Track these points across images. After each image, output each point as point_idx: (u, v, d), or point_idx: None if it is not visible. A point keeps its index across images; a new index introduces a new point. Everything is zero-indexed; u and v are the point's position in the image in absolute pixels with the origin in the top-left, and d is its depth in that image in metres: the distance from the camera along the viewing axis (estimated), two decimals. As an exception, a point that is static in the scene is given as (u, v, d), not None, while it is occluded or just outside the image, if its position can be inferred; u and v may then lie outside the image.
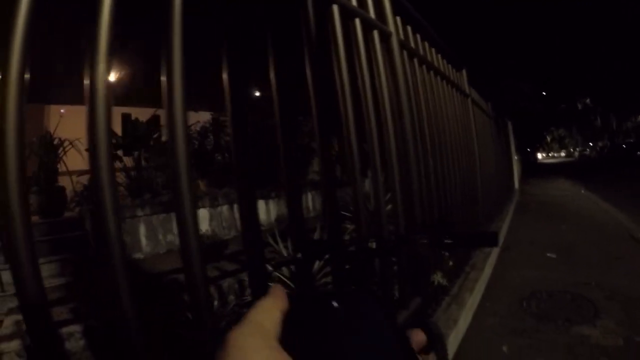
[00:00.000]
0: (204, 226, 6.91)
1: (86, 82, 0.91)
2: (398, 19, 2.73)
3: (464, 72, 5.12)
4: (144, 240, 6.35)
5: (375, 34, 2.24)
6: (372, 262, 1.23)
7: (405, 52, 2.68)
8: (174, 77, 1.00)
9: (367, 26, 2.16)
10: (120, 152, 7.32)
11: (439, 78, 3.64)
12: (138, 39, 10.14)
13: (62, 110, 12.08)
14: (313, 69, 1.57)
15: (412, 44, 2.99)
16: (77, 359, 3.47)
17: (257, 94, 13.63)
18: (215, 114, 11.43)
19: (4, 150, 0.80)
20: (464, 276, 3.75)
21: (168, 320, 3.59)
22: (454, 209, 3.70)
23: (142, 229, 6.35)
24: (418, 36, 3.21)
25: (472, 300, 3.38)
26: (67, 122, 9.31)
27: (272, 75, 1.39)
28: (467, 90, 5.16)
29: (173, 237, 6.65)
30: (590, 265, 4.46)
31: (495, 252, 4.72)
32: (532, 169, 24.49)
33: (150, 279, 5.04)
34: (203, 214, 7.10)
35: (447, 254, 3.34)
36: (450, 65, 4.33)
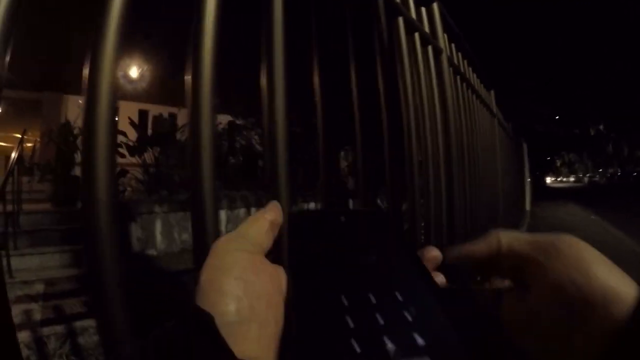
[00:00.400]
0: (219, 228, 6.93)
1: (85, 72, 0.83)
2: (445, 36, 2.76)
3: (492, 92, 5.15)
4: (159, 237, 6.36)
5: (430, 49, 2.26)
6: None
7: (451, 69, 2.71)
8: (202, 78, 0.98)
9: (424, 41, 2.18)
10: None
11: (474, 96, 3.66)
12: (160, 36, 10.27)
13: (80, 101, 12.21)
14: (367, 79, 1.58)
15: (455, 61, 3.02)
16: (90, 355, 3.36)
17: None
18: (233, 117, 11.53)
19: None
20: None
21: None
22: (479, 228, 3.69)
23: (158, 226, 6.36)
24: (459, 54, 3.24)
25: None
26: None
27: (315, 80, 1.36)
28: (495, 110, 5.18)
29: (188, 237, 6.65)
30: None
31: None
32: (541, 192, 24.46)
33: (165, 277, 5.03)
34: (219, 215, 7.14)
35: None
36: (482, 85, 4.36)
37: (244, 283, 0.39)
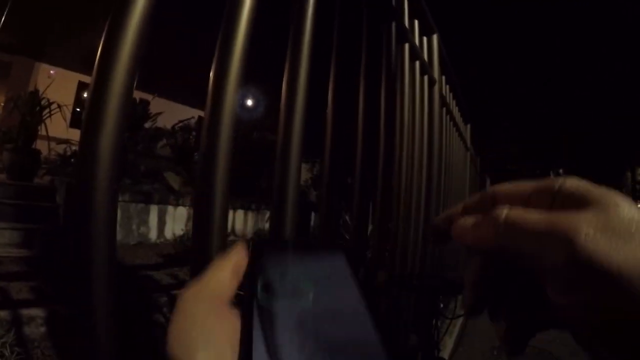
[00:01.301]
0: (179, 226, 6.75)
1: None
2: (439, 68, 2.85)
3: (468, 126, 5.32)
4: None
5: (426, 78, 2.32)
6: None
7: (440, 101, 2.79)
8: (229, 75, 0.99)
9: (422, 70, 2.24)
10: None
11: (455, 129, 3.77)
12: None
13: (52, 72, 11.74)
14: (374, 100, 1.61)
15: (444, 92, 3.11)
16: (35, 347, 3.14)
17: (250, 102, 13.63)
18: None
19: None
20: (448, 318, 3.85)
21: (140, 320, 3.44)
22: (448, 255, 3.79)
23: (117, 216, 6.16)
24: (447, 87, 3.34)
25: (451, 344, 3.47)
26: (57, 85, 8.99)
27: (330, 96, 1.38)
28: (469, 145, 5.34)
29: (146, 230, 6.46)
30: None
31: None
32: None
33: (120, 272, 4.84)
34: (180, 212, 6.95)
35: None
36: (462, 119, 4.50)
37: (209, 333, 0.40)
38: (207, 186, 0.83)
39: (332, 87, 1.23)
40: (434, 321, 1.25)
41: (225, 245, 0.84)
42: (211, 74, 0.90)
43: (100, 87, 0.79)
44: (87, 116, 0.80)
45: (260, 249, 0.51)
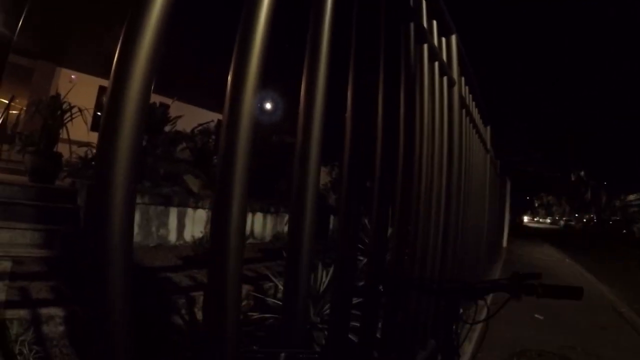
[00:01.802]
0: (198, 228, 6.78)
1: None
2: (458, 68, 2.80)
3: (488, 128, 5.23)
4: (135, 229, 6.19)
5: (445, 79, 2.28)
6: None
7: (459, 102, 2.74)
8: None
9: (442, 71, 2.20)
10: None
11: (474, 131, 3.71)
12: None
13: (73, 76, 11.97)
14: (394, 98, 1.58)
15: (463, 94, 3.06)
16: (54, 346, 3.15)
17: (268, 106, 13.69)
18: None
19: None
20: (460, 324, 3.78)
21: (158, 321, 3.45)
22: (467, 260, 3.72)
23: (137, 217, 6.21)
24: (467, 88, 3.28)
25: (470, 350, 3.40)
26: (78, 89, 9.16)
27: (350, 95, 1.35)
28: (489, 147, 5.26)
29: (166, 232, 6.50)
30: (576, 331, 4.59)
31: (489, 304, 4.76)
32: (518, 230, 24.89)
33: (138, 273, 4.88)
34: (200, 215, 6.97)
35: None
36: (481, 120, 4.43)
37: None
38: (226, 188, 0.82)
39: (351, 89, 1.21)
40: (453, 326, 1.21)
41: (243, 247, 0.83)
42: (229, 77, 0.89)
43: (117, 91, 0.79)
44: (104, 120, 0.80)
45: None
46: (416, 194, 1.73)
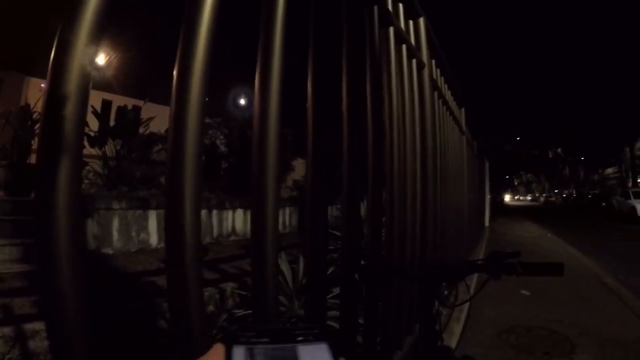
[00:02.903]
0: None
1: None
2: (428, 51, 2.79)
3: (462, 110, 5.26)
4: (115, 235, 6.07)
5: (414, 62, 2.27)
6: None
7: (431, 84, 2.73)
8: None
9: (410, 53, 2.18)
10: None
11: (448, 113, 3.72)
12: (132, 25, 9.99)
13: (42, 85, 11.69)
14: (357, 85, 1.56)
15: (434, 76, 3.06)
16: None
17: (242, 101, 13.55)
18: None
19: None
20: (450, 306, 3.80)
21: (142, 326, 3.40)
22: (448, 243, 3.75)
23: (115, 223, 6.09)
24: (438, 70, 3.28)
25: (459, 330, 3.43)
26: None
27: (309, 84, 1.31)
28: (464, 128, 5.29)
29: (146, 236, 6.39)
30: (562, 304, 4.68)
31: (473, 285, 4.82)
32: (499, 209, 25.29)
33: (121, 278, 4.80)
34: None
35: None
36: (455, 102, 4.44)
37: None
38: (177, 188, 0.79)
39: (311, 76, 1.18)
40: (435, 309, 1.20)
41: (199, 248, 0.80)
42: (174, 73, 0.86)
43: (56, 92, 0.75)
44: (45, 126, 0.76)
45: (231, 346, 0.48)
46: (389, 178, 1.72)
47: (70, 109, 0.73)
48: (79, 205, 0.75)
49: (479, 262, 1.22)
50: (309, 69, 1.18)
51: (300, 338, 0.46)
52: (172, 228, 0.79)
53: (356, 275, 1.35)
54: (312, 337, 0.46)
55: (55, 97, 0.72)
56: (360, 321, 1.64)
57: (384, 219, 1.68)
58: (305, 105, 1.18)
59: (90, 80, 0.76)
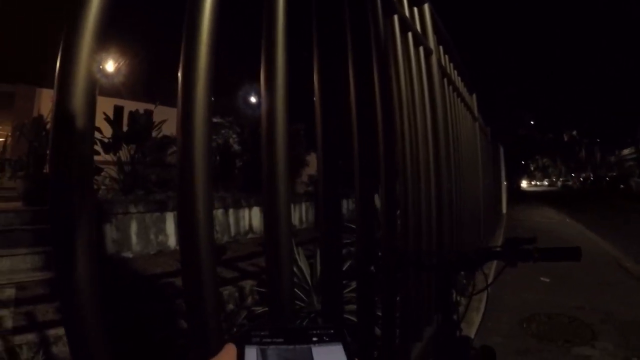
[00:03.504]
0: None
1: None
2: (435, 37, 2.75)
3: (474, 96, 5.19)
4: (134, 239, 6.15)
5: (421, 49, 2.23)
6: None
7: (440, 71, 2.69)
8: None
9: (416, 41, 2.15)
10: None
11: (459, 99, 3.67)
12: (139, 30, 10.06)
13: (55, 95, 11.92)
14: (365, 75, 1.54)
15: (443, 63, 3.01)
16: None
17: (253, 99, 13.58)
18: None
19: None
20: (468, 295, 3.77)
21: (163, 327, 3.44)
22: (465, 230, 3.71)
23: (134, 227, 6.16)
24: (447, 57, 3.23)
25: (478, 320, 3.40)
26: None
27: (315, 78, 1.30)
28: (476, 114, 5.22)
29: (165, 238, 6.47)
30: (583, 290, 4.61)
31: (492, 272, 4.78)
32: (516, 195, 24.98)
33: (141, 281, 4.86)
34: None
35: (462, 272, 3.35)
36: (465, 88, 4.38)
37: None
38: (188, 190, 0.78)
39: (317, 69, 1.17)
40: (452, 299, 1.18)
41: (213, 247, 0.80)
42: (179, 74, 0.85)
43: (64, 100, 0.75)
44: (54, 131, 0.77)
45: (243, 346, 0.48)
46: (401, 169, 1.70)
47: (79, 114, 0.73)
48: (93, 210, 0.75)
49: (496, 249, 1.19)
50: (314, 63, 1.16)
51: (315, 339, 0.45)
52: (185, 228, 0.79)
53: (372, 268, 1.34)
54: (328, 338, 0.45)
55: (63, 104, 0.73)
56: (379, 314, 1.63)
57: (398, 210, 1.66)
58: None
59: (97, 85, 0.76)
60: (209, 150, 0.80)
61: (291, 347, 0.45)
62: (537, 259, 1.15)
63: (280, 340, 0.45)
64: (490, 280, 1.33)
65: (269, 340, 0.45)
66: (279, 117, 0.92)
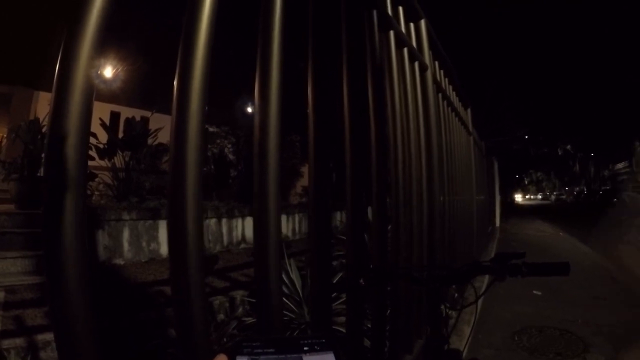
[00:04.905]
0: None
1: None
2: (430, 52, 2.78)
3: (469, 111, 5.24)
4: (126, 246, 6.11)
5: (416, 65, 2.27)
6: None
7: (434, 87, 2.72)
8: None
9: (412, 56, 2.18)
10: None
11: (453, 114, 3.71)
12: (138, 37, 10.10)
13: (53, 98, 11.90)
14: (360, 89, 1.56)
15: (438, 78, 3.05)
16: None
17: (250, 109, 13.62)
18: (207, 125, 11.41)
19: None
20: (458, 308, 3.77)
21: (154, 335, 3.42)
22: (457, 244, 3.73)
23: (126, 234, 6.13)
24: (442, 72, 3.27)
25: (469, 333, 3.40)
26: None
27: (310, 89, 1.31)
28: (471, 129, 5.27)
29: (157, 246, 6.42)
30: (575, 303, 4.61)
31: (484, 286, 4.78)
32: (510, 209, 25.06)
33: (133, 288, 4.83)
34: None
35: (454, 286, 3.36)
36: (460, 103, 4.43)
37: None
38: (179, 199, 0.79)
39: (311, 82, 1.19)
40: (441, 312, 1.19)
41: (202, 256, 0.81)
42: (175, 82, 0.87)
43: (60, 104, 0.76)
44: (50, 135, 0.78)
45: (234, 356, 0.49)
46: (394, 182, 1.71)
47: (75, 118, 0.74)
48: (85, 216, 0.76)
49: (485, 263, 1.21)
50: (308, 74, 1.18)
51: (307, 348, 0.46)
52: (175, 237, 0.80)
53: (362, 280, 1.35)
54: (319, 347, 0.46)
55: (60, 108, 0.74)
56: (370, 326, 1.64)
57: (389, 224, 1.68)
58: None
59: (94, 90, 0.77)
60: (202, 160, 0.82)
61: (282, 356, 0.45)
62: (525, 274, 1.16)
63: (272, 350, 0.46)
64: (480, 294, 1.34)
65: (260, 350, 0.46)
66: (271, 127, 0.93)
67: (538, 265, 1.16)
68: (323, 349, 0.47)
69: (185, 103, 0.82)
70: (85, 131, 0.75)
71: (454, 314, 3.18)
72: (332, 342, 0.48)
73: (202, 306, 0.80)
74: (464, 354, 1.38)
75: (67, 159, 0.73)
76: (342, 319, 2.01)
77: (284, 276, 3.00)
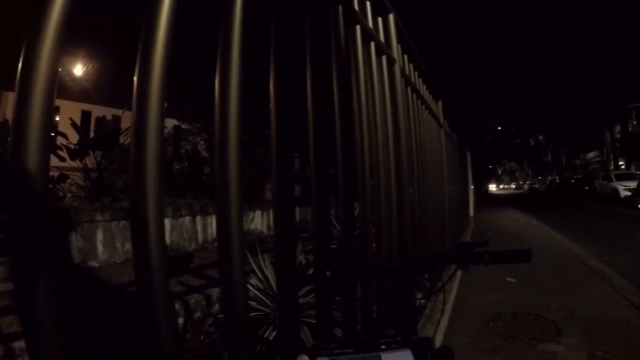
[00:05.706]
0: (165, 237, 6.63)
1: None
2: (399, 46, 2.82)
3: (440, 103, 5.32)
4: (100, 247, 5.99)
5: (384, 59, 2.29)
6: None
7: (403, 80, 2.76)
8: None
9: (379, 50, 2.21)
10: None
11: (423, 107, 3.76)
12: (109, 35, 9.88)
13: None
14: (323, 84, 1.58)
15: (407, 72, 3.09)
16: None
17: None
18: (179, 122, 11.25)
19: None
20: (433, 298, 3.84)
21: (130, 336, 3.39)
22: (430, 234, 3.79)
23: (100, 235, 6.01)
24: (411, 65, 3.32)
25: (443, 321, 3.48)
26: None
27: (272, 85, 1.31)
28: (442, 121, 5.35)
29: (132, 247, 6.35)
30: (548, 289, 4.74)
31: (458, 275, 4.88)
32: (484, 199, 25.56)
33: (108, 290, 4.75)
34: (165, 223, 6.82)
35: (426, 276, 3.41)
36: (431, 96, 4.49)
37: None
38: (140, 195, 0.80)
39: (274, 79, 1.20)
40: (408, 301, 1.22)
41: (165, 256, 0.81)
42: (135, 78, 0.86)
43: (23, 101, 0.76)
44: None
45: (315, 357, 0.50)
46: (360, 176, 1.74)
47: (36, 119, 0.74)
48: (48, 217, 0.75)
49: (449, 252, 1.24)
50: (270, 71, 1.19)
51: (384, 346, 0.48)
52: (136, 236, 0.80)
53: (328, 272, 1.37)
54: (396, 345, 0.48)
55: (22, 108, 0.73)
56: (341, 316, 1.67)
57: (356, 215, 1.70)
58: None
59: (56, 87, 0.76)
60: (162, 156, 0.82)
61: (361, 355, 0.47)
62: (488, 262, 1.18)
63: (350, 350, 0.48)
64: (449, 281, 1.38)
65: (339, 351, 0.48)
66: (231, 124, 0.94)
67: (500, 252, 1.19)
68: (400, 346, 0.48)
69: (144, 100, 0.82)
70: (47, 131, 0.74)
71: (424, 303, 3.24)
72: (408, 340, 0.50)
73: (166, 303, 0.81)
74: (440, 342, 1.42)
75: (29, 161, 0.73)
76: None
77: (258, 272, 3.01)
